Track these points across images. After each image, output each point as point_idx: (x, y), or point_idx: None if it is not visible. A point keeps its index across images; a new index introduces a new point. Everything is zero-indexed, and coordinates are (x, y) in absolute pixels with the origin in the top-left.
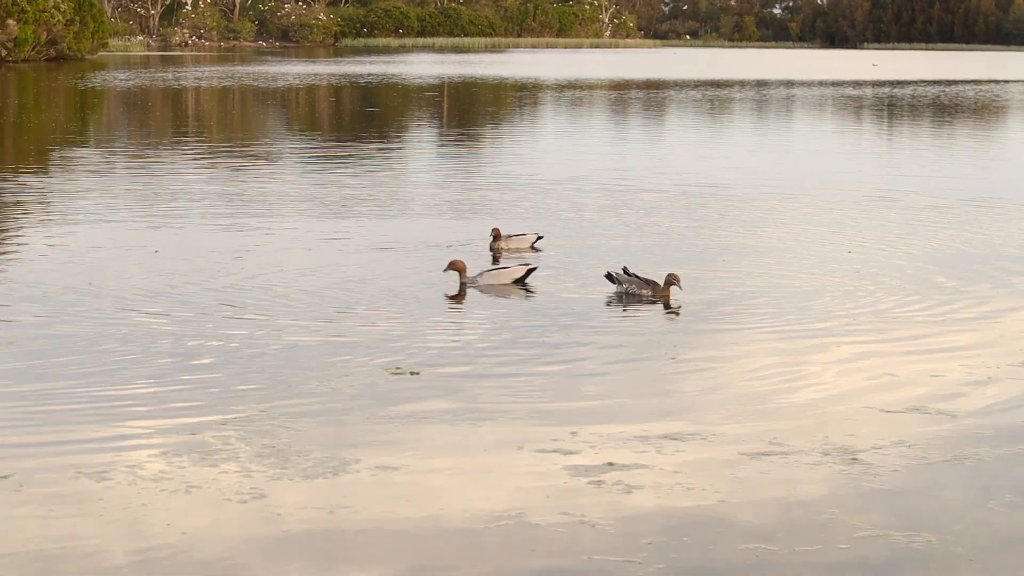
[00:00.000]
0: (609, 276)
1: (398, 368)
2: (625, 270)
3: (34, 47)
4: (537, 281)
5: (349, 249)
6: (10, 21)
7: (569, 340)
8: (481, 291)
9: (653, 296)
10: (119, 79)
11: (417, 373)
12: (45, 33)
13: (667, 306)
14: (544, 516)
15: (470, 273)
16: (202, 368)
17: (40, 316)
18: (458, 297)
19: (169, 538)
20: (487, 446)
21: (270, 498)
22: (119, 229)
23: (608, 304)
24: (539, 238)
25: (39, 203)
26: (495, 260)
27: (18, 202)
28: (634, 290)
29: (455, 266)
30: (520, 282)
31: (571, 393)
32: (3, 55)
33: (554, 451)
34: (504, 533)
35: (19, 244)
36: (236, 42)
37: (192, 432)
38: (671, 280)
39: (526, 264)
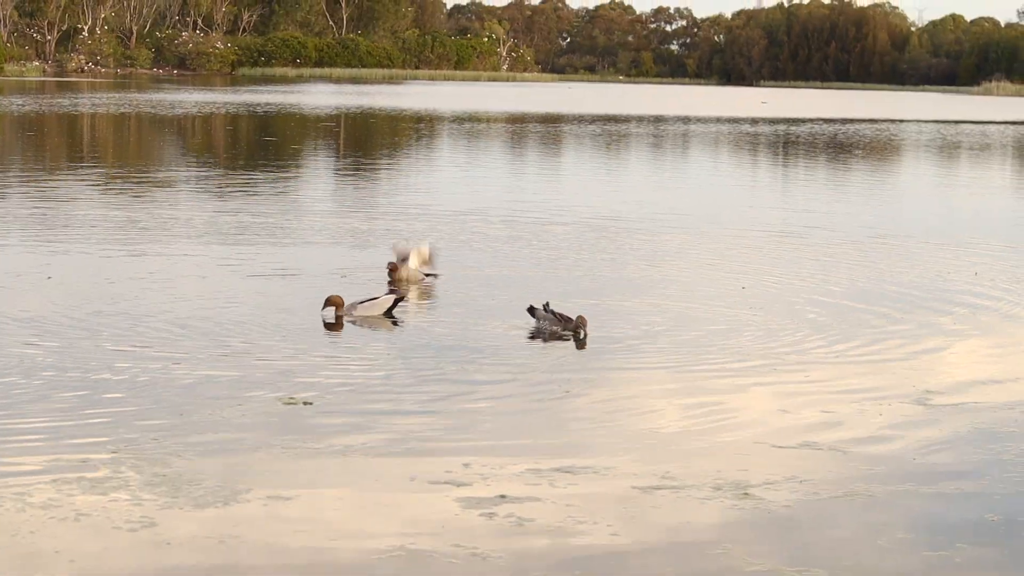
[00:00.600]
0: (531, 310)
1: (291, 398)
2: (546, 307)
3: None
4: (435, 312)
5: (244, 277)
6: None
7: (465, 372)
8: (359, 324)
9: (565, 331)
10: (13, 104)
11: (310, 403)
12: None
13: (576, 339)
14: (436, 548)
15: (345, 305)
16: (94, 397)
17: None
18: (336, 328)
19: (58, 566)
20: (379, 478)
21: (160, 527)
22: (11, 255)
23: (512, 336)
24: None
25: None
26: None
27: None
28: (546, 327)
29: (331, 302)
30: (388, 313)
31: (464, 426)
32: None
33: (446, 483)
34: (396, 566)
35: None
36: (133, 69)
37: (82, 460)
38: (579, 324)
39: (394, 292)
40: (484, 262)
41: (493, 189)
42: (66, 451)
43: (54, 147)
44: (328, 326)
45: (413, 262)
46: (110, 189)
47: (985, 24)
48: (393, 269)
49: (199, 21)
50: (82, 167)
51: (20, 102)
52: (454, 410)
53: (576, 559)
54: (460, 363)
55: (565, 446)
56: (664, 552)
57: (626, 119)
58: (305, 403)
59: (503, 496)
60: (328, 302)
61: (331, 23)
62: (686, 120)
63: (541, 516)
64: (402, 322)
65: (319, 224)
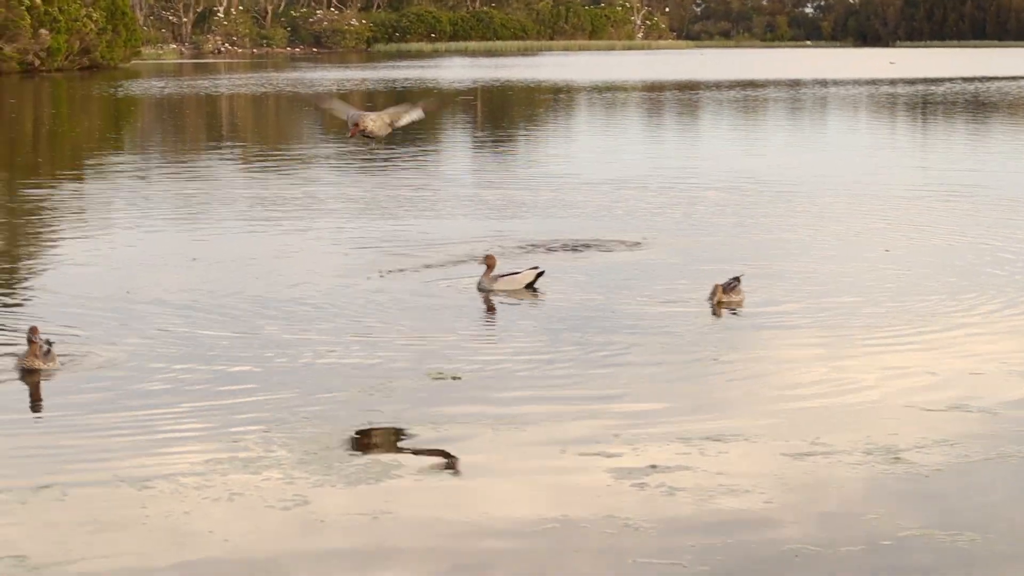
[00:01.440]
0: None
1: (439, 373)
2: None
3: (67, 56)
4: (580, 283)
5: (388, 253)
6: (42, 31)
7: (610, 343)
8: (502, 297)
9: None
10: (152, 87)
11: (459, 378)
12: (78, 42)
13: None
14: (589, 519)
15: (492, 273)
16: (243, 377)
17: (77, 326)
18: (480, 301)
19: (211, 546)
20: (529, 449)
21: (313, 504)
22: (155, 237)
23: (656, 305)
24: (539, 275)
25: (75, 211)
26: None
27: (54, 211)
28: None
29: (487, 261)
30: (530, 286)
31: (611, 396)
32: (36, 65)
33: (596, 454)
34: (547, 537)
35: (55, 253)
36: (268, 49)
37: (234, 440)
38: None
39: (535, 268)
40: (627, 230)
41: (634, 157)
42: (218, 431)
43: (193, 128)
44: (471, 300)
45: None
46: (252, 168)
47: None
48: (490, 265)
49: None
50: (224, 147)
51: (160, 84)
52: (600, 381)
53: (727, 527)
54: (605, 333)
55: (713, 414)
56: (816, 518)
57: (763, 84)
58: (454, 377)
59: (653, 466)
60: (485, 260)
61: None
62: (823, 83)
63: (692, 485)
64: (545, 294)
65: (461, 196)
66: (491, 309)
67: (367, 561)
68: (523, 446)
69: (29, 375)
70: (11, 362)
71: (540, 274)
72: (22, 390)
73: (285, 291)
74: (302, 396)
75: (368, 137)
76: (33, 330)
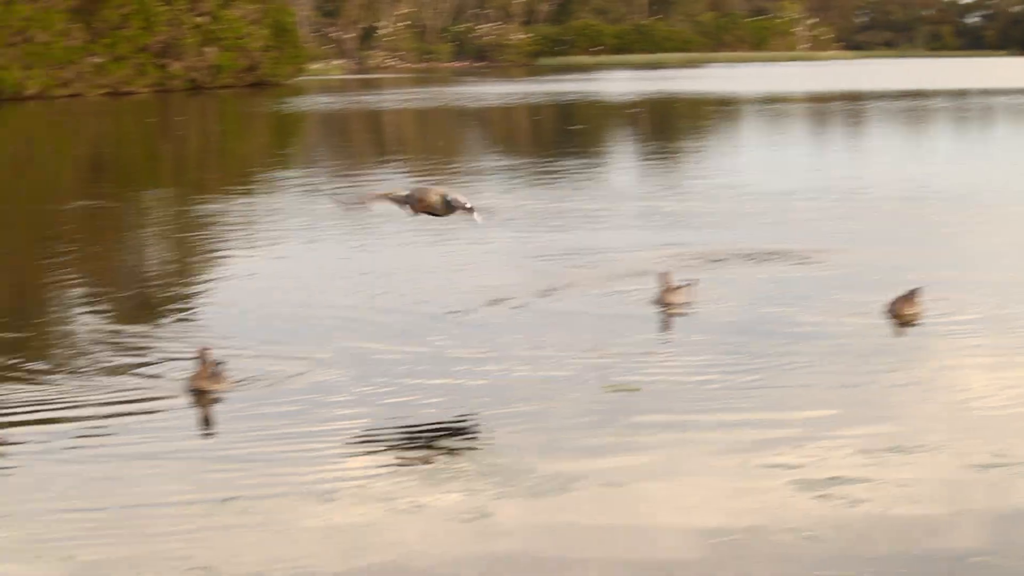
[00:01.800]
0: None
1: (617, 385)
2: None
3: (233, 73)
4: (755, 293)
5: (557, 264)
6: (209, 48)
7: (788, 353)
8: (679, 309)
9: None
10: (318, 102)
11: (637, 389)
12: (244, 59)
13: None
14: (771, 533)
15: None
16: (421, 390)
17: (255, 340)
18: (653, 314)
19: (395, 558)
20: (710, 461)
21: (495, 517)
22: (325, 251)
23: (829, 314)
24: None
25: (243, 226)
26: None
27: (222, 226)
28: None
29: (666, 279)
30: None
31: (791, 407)
32: (203, 82)
33: (777, 465)
34: (732, 552)
35: (225, 268)
36: (432, 63)
37: (416, 452)
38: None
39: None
40: (802, 241)
41: (804, 168)
42: (398, 444)
43: (361, 143)
44: (645, 312)
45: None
46: (419, 182)
47: None
48: (667, 288)
49: (496, 13)
50: (390, 161)
51: (325, 100)
52: (778, 392)
53: (911, 540)
54: (782, 344)
55: (893, 425)
56: (1001, 532)
57: (929, 94)
58: (632, 389)
59: (834, 478)
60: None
61: (628, 9)
62: (991, 93)
63: (874, 497)
64: (717, 304)
65: (631, 208)
66: (666, 321)
67: (549, 573)
68: (702, 456)
69: (199, 396)
70: (181, 381)
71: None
72: (194, 410)
73: (457, 305)
74: (481, 409)
75: (432, 214)
76: (203, 350)
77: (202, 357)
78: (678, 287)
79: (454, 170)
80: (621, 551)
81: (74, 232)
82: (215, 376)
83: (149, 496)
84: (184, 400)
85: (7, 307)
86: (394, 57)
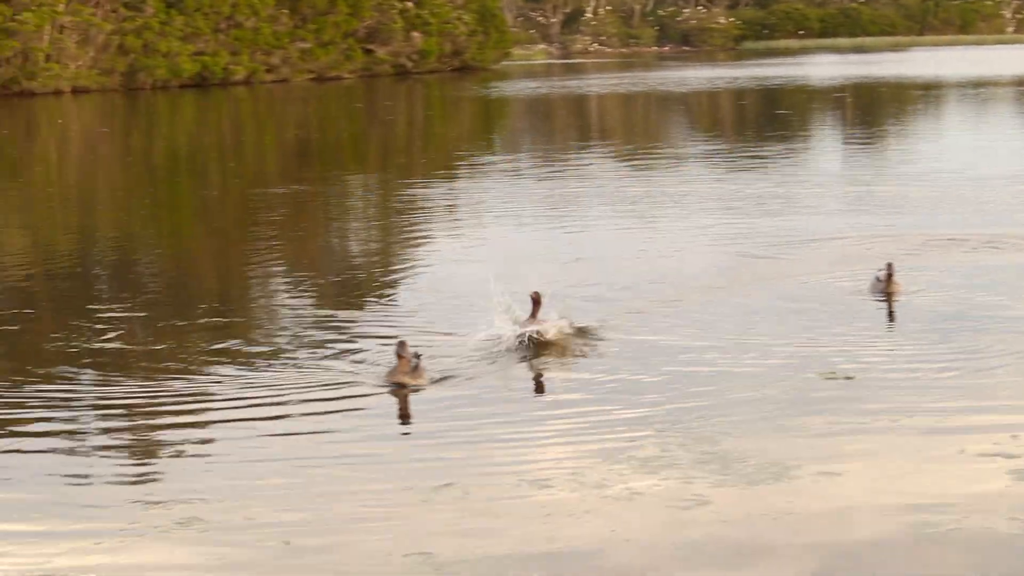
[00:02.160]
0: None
1: (832, 373)
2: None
3: (439, 58)
4: (973, 280)
5: (764, 251)
6: (415, 34)
7: (1003, 341)
8: (903, 298)
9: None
10: (523, 87)
11: (851, 378)
12: (449, 44)
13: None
14: (990, 523)
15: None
16: (633, 378)
17: (458, 325)
18: (867, 302)
19: (617, 544)
20: (927, 450)
21: (714, 504)
22: (529, 234)
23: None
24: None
25: (448, 209)
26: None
27: (428, 209)
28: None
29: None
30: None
31: (1007, 395)
32: (409, 67)
33: (996, 455)
34: (949, 539)
35: (431, 251)
36: (636, 48)
37: (630, 440)
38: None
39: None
40: (1006, 225)
41: (1016, 153)
42: (613, 432)
43: (565, 127)
44: (855, 298)
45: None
46: (622, 166)
47: None
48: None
49: None
50: (594, 145)
51: (530, 85)
52: (992, 381)
53: None
54: (997, 333)
55: None
56: None
57: None
58: (847, 377)
59: None
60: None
61: None
62: None
63: None
64: (928, 292)
65: (837, 193)
66: (878, 309)
67: (768, 559)
68: (918, 444)
69: (399, 389)
70: (381, 376)
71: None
72: (395, 403)
73: (667, 291)
74: (694, 395)
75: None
76: (402, 344)
77: (401, 352)
78: (889, 276)
79: (658, 155)
80: (836, 536)
81: (280, 216)
82: (415, 371)
83: (361, 482)
84: (388, 388)
85: (214, 291)
86: (598, 42)
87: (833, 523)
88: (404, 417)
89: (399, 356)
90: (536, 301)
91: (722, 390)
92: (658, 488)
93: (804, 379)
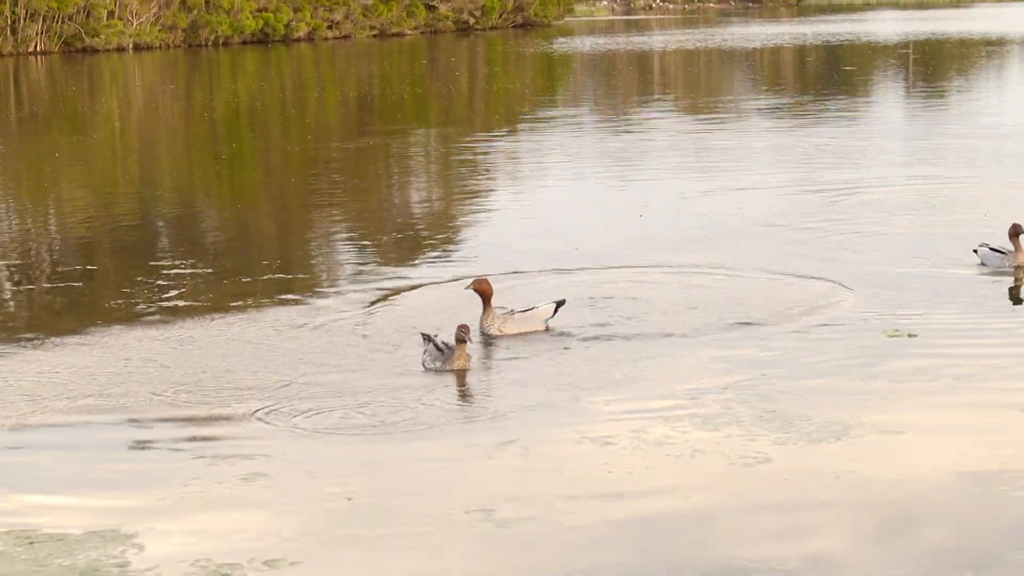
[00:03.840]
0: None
1: (895, 331)
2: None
3: (501, 15)
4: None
5: (824, 201)
6: None
7: None
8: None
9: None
10: (585, 43)
11: (915, 335)
12: (511, 0)
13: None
14: None
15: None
16: (693, 330)
17: (518, 280)
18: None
19: (677, 500)
20: (991, 414)
21: (775, 462)
22: (591, 190)
23: None
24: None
25: (512, 163)
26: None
27: (490, 163)
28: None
29: (480, 288)
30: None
31: None
32: (471, 23)
33: None
34: (1009, 503)
35: (491, 205)
36: (699, 4)
37: (693, 397)
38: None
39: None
40: None
41: None
42: (676, 389)
43: (627, 83)
44: (913, 254)
45: None
46: (683, 121)
47: None
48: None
49: None
50: (655, 101)
51: (592, 41)
52: None
53: None
54: None
55: None
56: None
57: None
58: (910, 335)
59: None
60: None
61: None
62: None
63: None
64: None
65: (899, 147)
66: (940, 265)
67: (830, 517)
68: (986, 404)
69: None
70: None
71: (560, 304)
72: (454, 380)
73: (730, 246)
74: (754, 352)
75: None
76: (463, 328)
77: (464, 336)
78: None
79: (716, 109)
80: (896, 497)
81: (343, 171)
82: (470, 356)
83: (422, 440)
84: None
85: (276, 247)
86: None
87: (893, 483)
88: (465, 377)
89: (459, 341)
90: (483, 293)
91: (786, 347)
92: (720, 446)
93: (868, 338)
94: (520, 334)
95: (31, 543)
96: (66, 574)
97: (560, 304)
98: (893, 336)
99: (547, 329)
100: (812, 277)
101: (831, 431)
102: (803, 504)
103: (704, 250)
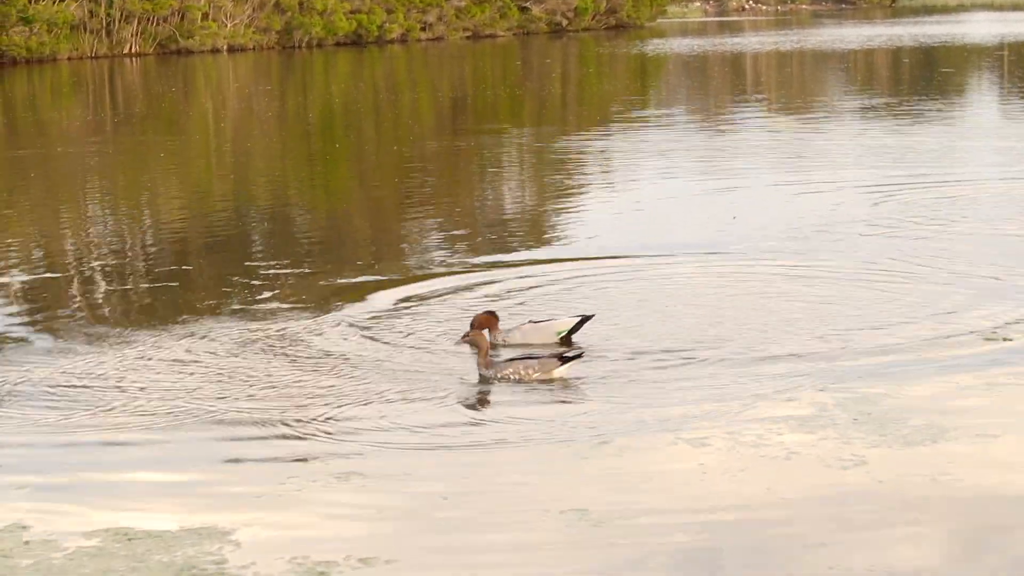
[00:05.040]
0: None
1: (992, 334)
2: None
3: (594, 16)
4: None
5: (917, 204)
6: None
7: None
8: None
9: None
10: (677, 44)
11: (1009, 340)
12: (604, 2)
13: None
14: None
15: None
16: (787, 331)
17: (615, 279)
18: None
19: (769, 502)
20: None
21: (870, 465)
22: (689, 189)
23: None
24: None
25: (605, 161)
26: None
27: (582, 162)
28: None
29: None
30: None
31: None
32: (564, 24)
33: None
34: None
35: (583, 204)
36: (792, 6)
37: (789, 398)
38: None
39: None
40: None
41: None
42: (771, 390)
43: (719, 83)
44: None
45: None
46: (775, 121)
47: None
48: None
49: None
50: (747, 101)
51: (686, 42)
52: None
53: None
54: None
55: None
56: None
57: None
58: (1005, 339)
59: None
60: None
61: None
62: None
63: None
64: None
65: (993, 147)
66: None
67: (925, 519)
68: None
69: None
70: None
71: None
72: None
73: (820, 246)
74: (851, 355)
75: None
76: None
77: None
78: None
79: (809, 110)
80: (991, 500)
81: (437, 170)
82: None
83: (517, 437)
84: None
85: (370, 246)
86: (754, 0)
87: (988, 486)
88: (560, 379)
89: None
90: (479, 325)
91: (882, 349)
92: (815, 448)
93: (964, 340)
94: (526, 344)
95: (129, 540)
96: (164, 570)
97: (586, 319)
98: (990, 340)
99: (561, 343)
100: (913, 271)
101: (927, 434)
102: (897, 506)
103: (812, 249)
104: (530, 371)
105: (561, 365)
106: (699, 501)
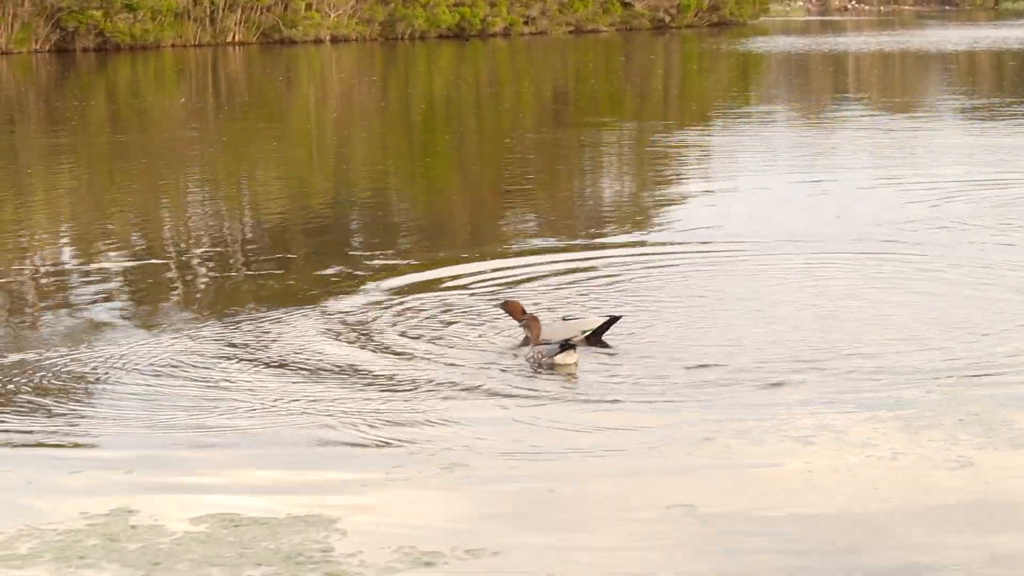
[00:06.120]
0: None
1: None
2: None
3: (696, 13)
4: None
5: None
6: None
7: None
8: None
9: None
10: (780, 43)
11: None
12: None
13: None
14: None
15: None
16: (897, 330)
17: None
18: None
19: (875, 502)
20: None
21: (977, 466)
22: (783, 186)
23: None
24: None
25: (704, 157)
26: None
27: (681, 158)
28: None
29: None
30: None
31: None
32: (667, 21)
33: None
34: None
35: (683, 200)
36: (895, 7)
37: (896, 399)
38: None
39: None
40: None
41: None
42: (877, 390)
43: (820, 82)
44: None
45: None
46: (875, 120)
47: None
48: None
49: None
50: (848, 100)
51: (788, 41)
52: None
53: None
54: None
55: None
56: None
57: None
58: None
59: None
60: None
61: None
62: None
63: None
64: None
65: None
66: None
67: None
68: None
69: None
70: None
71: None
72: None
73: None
74: (959, 354)
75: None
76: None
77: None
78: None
79: (906, 109)
80: None
81: (538, 161)
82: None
83: (621, 435)
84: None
85: (473, 237)
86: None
87: None
88: (665, 375)
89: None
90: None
91: (990, 348)
92: (921, 449)
93: None
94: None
95: (236, 526)
96: (271, 557)
97: (613, 320)
98: None
99: (587, 341)
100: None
101: None
102: (1002, 509)
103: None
104: (540, 355)
105: (560, 352)
106: (806, 497)
